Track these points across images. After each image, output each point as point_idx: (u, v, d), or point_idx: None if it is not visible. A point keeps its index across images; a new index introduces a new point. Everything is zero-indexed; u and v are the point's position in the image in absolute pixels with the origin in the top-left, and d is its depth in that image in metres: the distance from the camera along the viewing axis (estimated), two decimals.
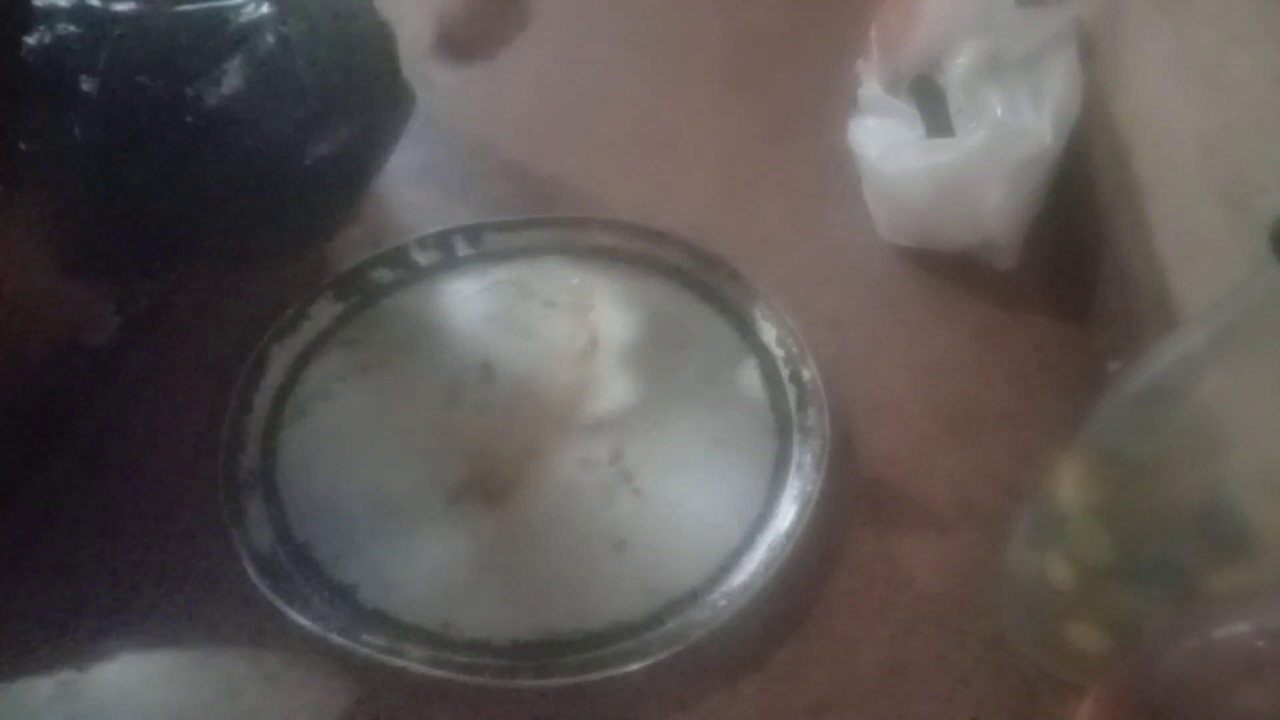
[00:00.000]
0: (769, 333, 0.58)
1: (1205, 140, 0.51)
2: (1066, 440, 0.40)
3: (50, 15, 0.47)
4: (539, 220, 0.64)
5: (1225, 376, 0.33)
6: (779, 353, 0.57)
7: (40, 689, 0.45)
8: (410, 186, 0.68)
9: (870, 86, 0.65)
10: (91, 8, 0.48)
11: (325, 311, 0.59)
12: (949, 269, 0.62)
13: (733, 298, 0.60)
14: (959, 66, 0.60)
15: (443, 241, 0.63)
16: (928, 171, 0.59)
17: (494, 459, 0.53)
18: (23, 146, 0.47)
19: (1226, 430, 0.34)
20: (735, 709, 0.44)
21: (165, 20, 0.48)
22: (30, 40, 0.46)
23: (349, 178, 0.55)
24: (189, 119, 0.48)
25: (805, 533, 0.48)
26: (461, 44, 0.59)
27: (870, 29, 0.67)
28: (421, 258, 0.62)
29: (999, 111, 0.58)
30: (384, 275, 0.61)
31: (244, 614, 0.47)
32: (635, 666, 0.44)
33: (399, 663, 0.44)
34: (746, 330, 0.59)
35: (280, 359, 0.56)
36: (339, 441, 0.54)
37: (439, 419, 0.55)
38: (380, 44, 0.54)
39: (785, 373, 0.56)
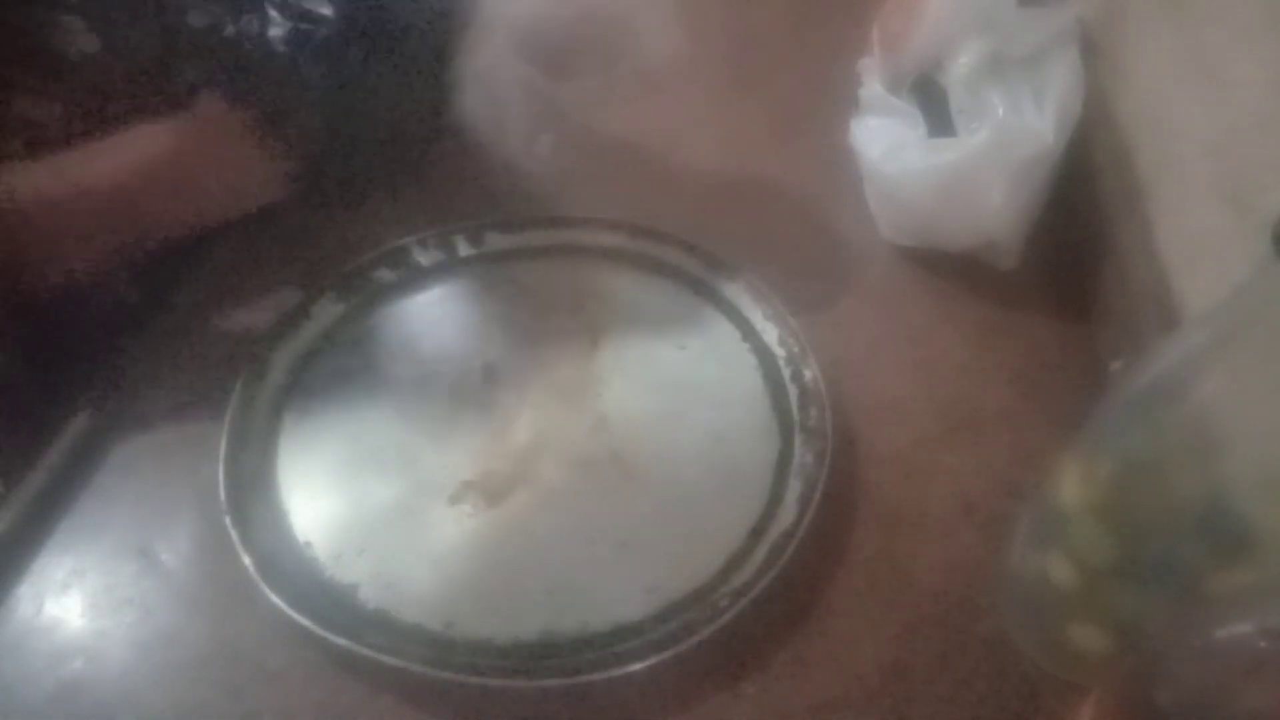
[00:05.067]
0: (770, 333, 0.58)
1: (1207, 140, 0.51)
2: (1068, 440, 0.40)
3: None
4: (540, 220, 0.64)
5: (1227, 376, 0.33)
6: (780, 353, 0.57)
7: (41, 689, 0.45)
8: (411, 187, 0.68)
9: (872, 86, 0.65)
10: None
11: (326, 311, 0.59)
12: (950, 269, 0.62)
13: (733, 298, 0.60)
14: (961, 66, 0.60)
15: (444, 241, 0.63)
16: (929, 171, 0.59)
17: (495, 459, 0.53)
18: None
19: (1228, 430, 0.34)
20: (737, 709, 0.44)
21: None
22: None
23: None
24: None
25: (807, 533, 0.48)
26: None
27: (872, 28, 0.67)
28: (423, 258, 0.62)
29: (1001, 111, 0.58)
30: (385, 275, 0.61)
31: (245, 614, 0.47)
32: (637, 667, 0.44)
33: (400, 663, 0.44)
34: (747, 330, 0.58)
35: (281, 359, 0.56)
36: (340, 441, 0.54)
37: (441, 419, 0.55)
38: None
39: (786, 372, 0.56)
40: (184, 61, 0.53)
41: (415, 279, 0.62)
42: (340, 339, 0.58)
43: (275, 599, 0.46)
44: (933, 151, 0.60)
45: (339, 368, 0.57)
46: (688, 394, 0.56)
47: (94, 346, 0.56)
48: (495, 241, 0.63)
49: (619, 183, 0.68)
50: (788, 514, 0.49)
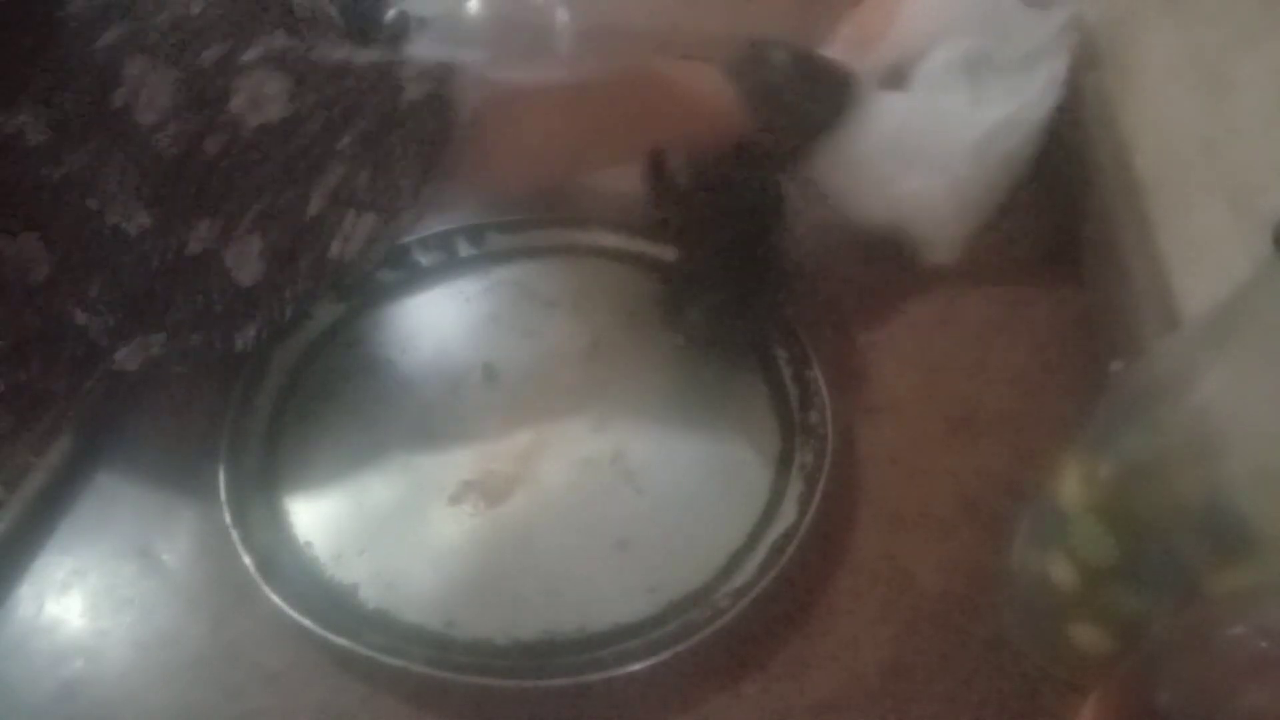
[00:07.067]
0: (770, 332, 0.58)
1: (1208, 140, 0.51)
2: (1068, 440, 0.40)
3: None
4: (540, 220, 0.64)
5: (1227, 376, 0.33)
6: (781, 353, 0.57)
7: (41, 689, 0.45)
8: None
9: None
10: None
11: (327, 312, 0.59)
12: (951, 269, 0.62)
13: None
14: (933, 64, 0.60)
15: (445, 242, 0.63)
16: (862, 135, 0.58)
17: (495, 459, 0.53)
18: None
19: (1228, 430, 0.34)
20: (737, 709, 0.44)
21: None
22: None
23: None
24: None
25: (807, 533, 0.48)
26: None
27: (840, 25, 0.67)
28: (424, 258, 0.62)
29: (944, 101, 0.58)
30: (386, 275, 0.61)
31: (245, 614, 0.47)
32: (637, 667, 0.44)
33: (400, 663, 0.44)
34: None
35: (282, 359, 0.56)
36: (341, 441, 0.54)
37: (441, 419, 0.55)
38: None
39: (787, 372, 0.56)
40: None
41: (415, 279, 0.62)
42: (340, 339, 0.58)
43: (276, 599, 0.46)
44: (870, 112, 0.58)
45: (339, 368, 0.57)
46: (688, 394, 0.56)
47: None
48: (495, 241, 0.63)
49: (620, 183, 0.68)
50: (788, 514, 0.49)
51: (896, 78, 0.61)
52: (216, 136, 0.43)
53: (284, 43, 0.45)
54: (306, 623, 0.45)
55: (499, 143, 0.49)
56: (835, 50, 0.64)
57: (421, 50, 0.80)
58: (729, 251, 0.58)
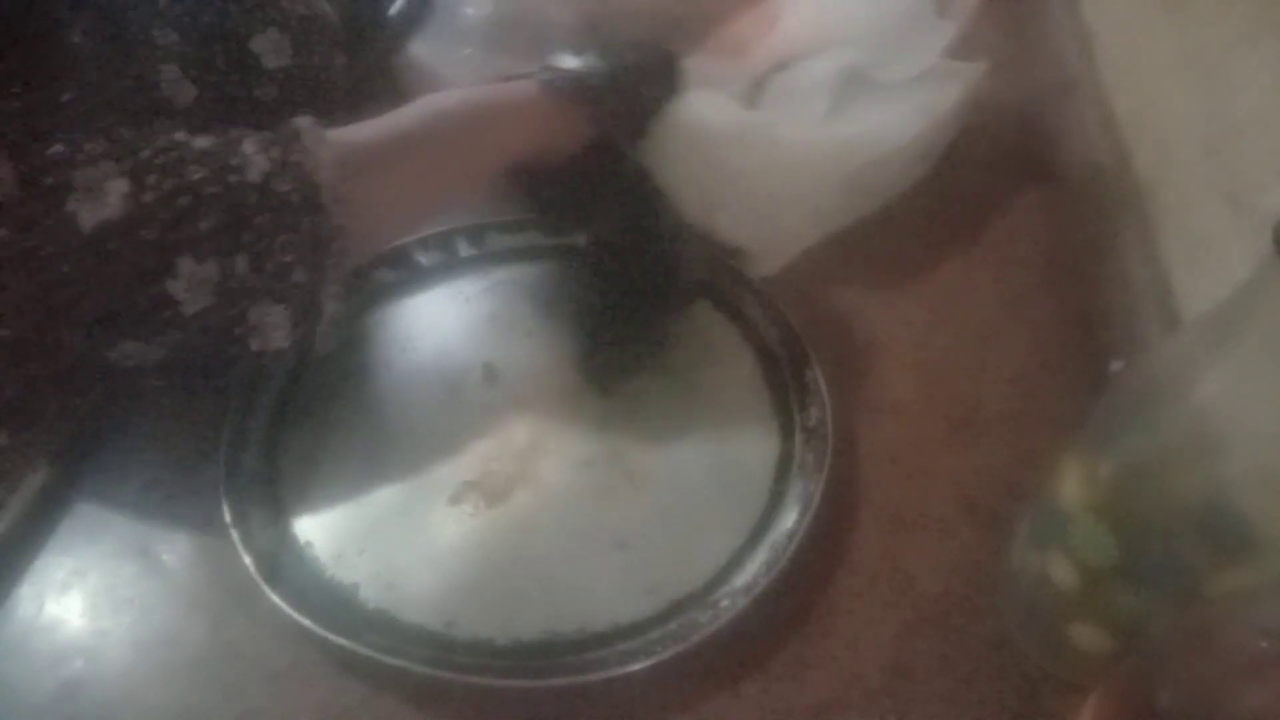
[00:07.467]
0: (770, 333, 0.58)
1: (1208, 139, 0.51)
2: (1069, 440, 0.40)
3: None
4: (540, 220, 0.64)
5: (1227, 376, 0.33)
6: (781, 353, 0.57)
7: (41, 689, 0.45)
8: None
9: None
10: None
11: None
12: (951, 270, 0.62)
13: (734, 298, 0.60)
14: (795, 75, 0.59)
15: (445, 242, 0.63)
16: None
17: (496, 459, 0.53)
18: None
19: (1229, 430, 0.34)
20: (738, 709, 0.44)
21: None
22: None
23: None
24: None
25: (807, 533, 0.48)
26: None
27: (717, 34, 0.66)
28: (424, 258, 0.62)
29: (787, 115, 0.57)
30: (386, 275, 0.61)
31: (245, 614, 0.47)
32: (637, 667, 0.44)
33: (401, 663, 0.44)
34: (749, 330, 0.58)
35: (281, 359, 0.56)
36: (340, 441, 0.54)
37: (441, 419, 0.55)
38: None
39: (787, 372, 0.56)
40: None
41: (415, 279, 0.62)
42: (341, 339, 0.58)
43: (276, 599, 0.46)
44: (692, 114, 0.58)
45: (339, 368, 0.57)
46: (688, 394, 0.56)
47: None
48: (495, 241, 0.63)
49: None
50: (788, 514, 0.49)
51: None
52: (52, 237, 0.40)
53: (125, 137, 0.42)
54: (306, 623, 0.45)
55: (368, 194, 0.47)
56: (705, 56, 0.64)
57: (424, 50, 0.80)
58: (626, 240, 0.57)
